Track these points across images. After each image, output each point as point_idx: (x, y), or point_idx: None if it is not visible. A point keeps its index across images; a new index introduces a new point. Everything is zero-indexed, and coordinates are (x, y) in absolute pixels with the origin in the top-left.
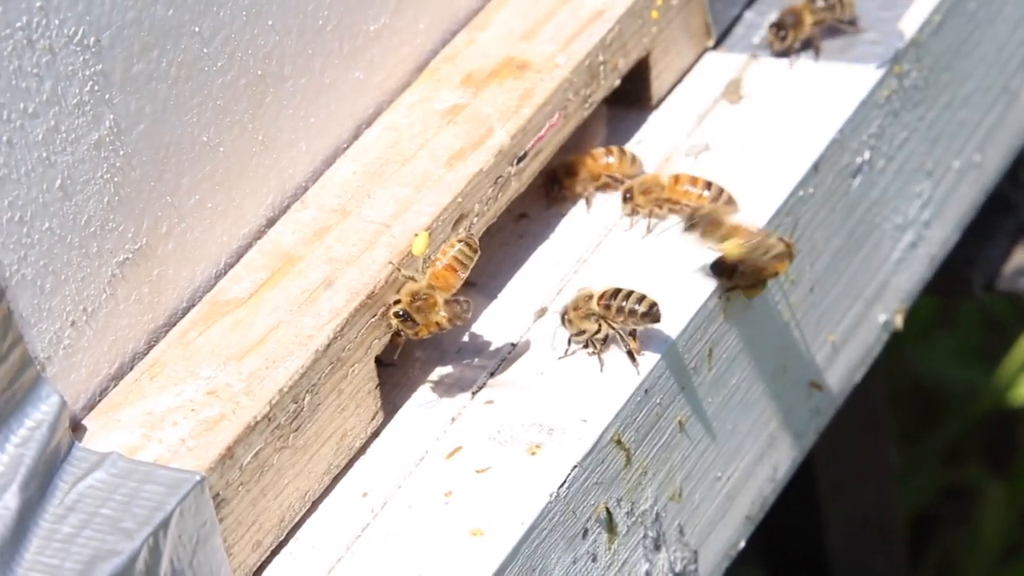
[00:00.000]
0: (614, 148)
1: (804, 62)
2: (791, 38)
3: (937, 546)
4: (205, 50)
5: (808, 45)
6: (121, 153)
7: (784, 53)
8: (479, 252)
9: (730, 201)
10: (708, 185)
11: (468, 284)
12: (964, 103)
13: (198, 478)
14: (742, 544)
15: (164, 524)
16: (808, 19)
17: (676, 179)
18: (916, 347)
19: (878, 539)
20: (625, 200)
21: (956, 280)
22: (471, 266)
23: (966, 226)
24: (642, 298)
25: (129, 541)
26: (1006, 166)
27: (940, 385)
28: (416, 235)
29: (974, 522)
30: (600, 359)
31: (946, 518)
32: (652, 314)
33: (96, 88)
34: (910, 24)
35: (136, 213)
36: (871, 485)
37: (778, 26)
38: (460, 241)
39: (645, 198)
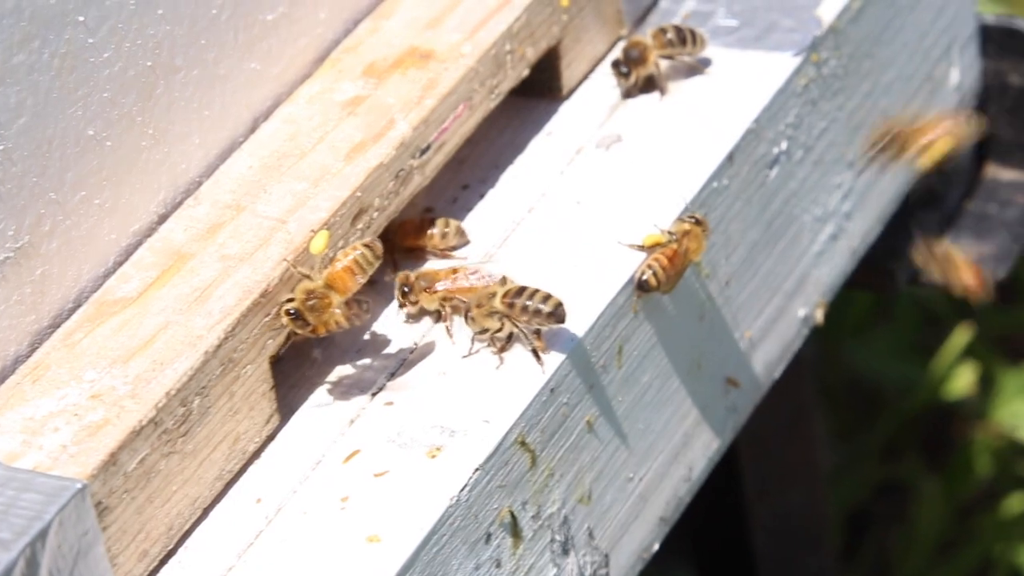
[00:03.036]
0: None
1: (719, 50)
2: (634, 75)
3: (873, 542)
4: (90, 40)
5: (652, 85)
6: (0, 147)
7: (628, 93)
8: (381, 259)
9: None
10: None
11: (368, 282)
12: (886, 91)
13: (79, 486)
14: (656, 546)
15: (42, 534)
16: (653, 55)
17: (454, 272)
18: (852, 343)
19: (807, 539)
20: (404, 299)
21: (880, 273)
22: (371, 272)
23: (889, 218)
24: (547, 297)
25: (5, 552)
26: None
27: (876, 380)
28: (314, 232)
29: (910, 518)
30: (501, 358)
31: (882, 514)
32: (557, 315)
33: None
34: (828, 11)
35: (17, 210)
36: (799, 484)
37: (618, 63)
38: (364, 245)
39: (429, 296)
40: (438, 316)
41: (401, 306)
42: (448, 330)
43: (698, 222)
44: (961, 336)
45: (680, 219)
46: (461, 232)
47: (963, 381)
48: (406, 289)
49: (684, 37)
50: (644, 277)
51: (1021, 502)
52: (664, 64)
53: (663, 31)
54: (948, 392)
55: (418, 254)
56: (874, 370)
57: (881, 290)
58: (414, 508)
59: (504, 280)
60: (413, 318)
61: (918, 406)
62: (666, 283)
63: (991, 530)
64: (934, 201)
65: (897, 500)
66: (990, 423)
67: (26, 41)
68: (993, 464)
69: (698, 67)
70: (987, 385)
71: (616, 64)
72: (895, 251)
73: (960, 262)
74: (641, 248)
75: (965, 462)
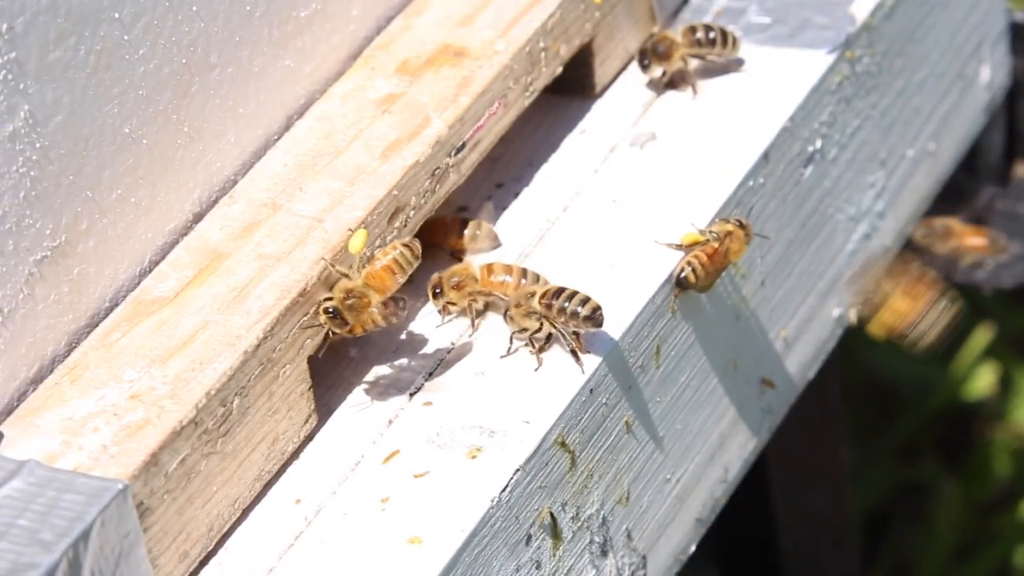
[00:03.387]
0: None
1: (752, 47)
2: (654, 69)
3: (891, 544)
4: (126, 37)
5: (679, 80)
6: (37, 146)
7: (653, 88)
8: (420, 259)
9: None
10: (524, 273)
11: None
12: (918, 89)
13: (120, 487)
14: (692, 548)
15: (84, 535)
16: (679, 51)
17: (488, 269)
18: (870, 343)
19: (831, 538)
20: (435, 297)
21: None
22: (410, 271)
23: (921, 217)
24: (586, 300)
25: (47, 553)
26: (961, 155)
27: (894, 381)
28: (352, 232)
29: (928, 519)
30: (539, 358)
31: (901, 515)
32: (594, 319)
33: (10, 77)
34: (862, 8)
35: (54, 209)
36: (824, 484)
37: (643, 54)
38: (403, 244)
39: (459, 293)
40: (476, 313)
41: (440, 309)
42: (473, 323)
43: (742, 225)
44: (981, 337)
45: (723, 219)
46: (493, 236)
47: (983, 382)
48: (437, 290)
49: (714, 37)
50: (683, 274)
51: None
52: (695, 63)
53: (692, 29)
54: (968, 393)
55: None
56: (892, 371)
57: None
58: (455, 509)
59: (537, 278)
60: (449, 315)
61: (937, 407)
62: (704, 280)
63: (1010, 531)
64: (964, 199)
65: (916, 501)
66: (1009, 424)
67: (62, 38)
68: (1012, 465)
69: (730, 67)
70: (1007, 386)
71: (640, 54)
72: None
73: (960, 229)
74: (679, 247)
75: (984, 463)
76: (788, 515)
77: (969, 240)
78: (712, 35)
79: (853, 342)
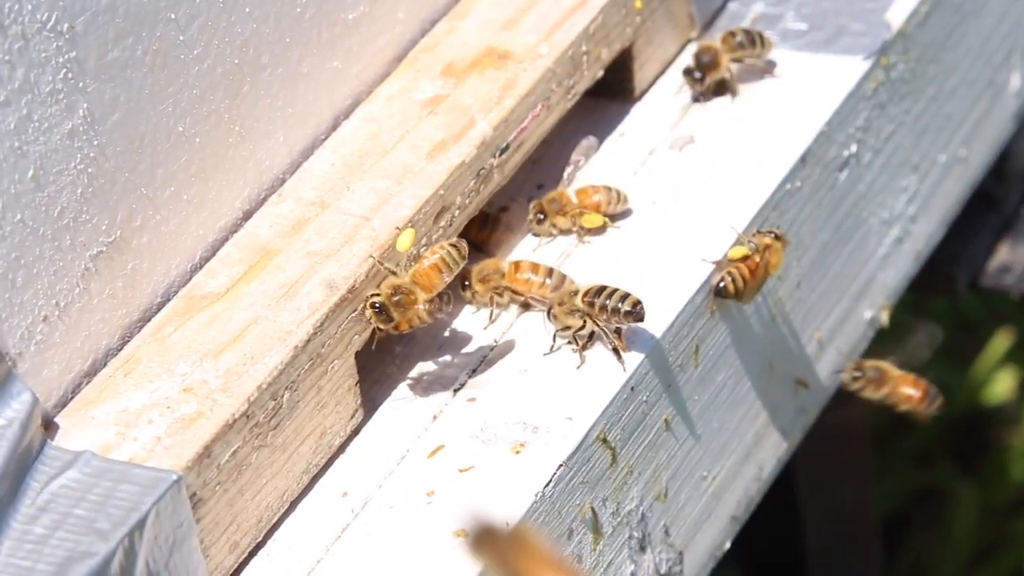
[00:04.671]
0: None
1: (789, 53)
2: (708, 79)
3: (909, 548)
4: (181, 37)
5: (723, 88)
6: (95, 143)
7: (699, 97)
8: (467, 258)
9: (571, 283)
10: (549, 273)
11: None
12: (950, 96)
13: (175, 477)
14: (728, 545)
15: (140, 525)
16: (725, 58)
17: (516, 266)
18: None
19: (855, 539)
20: (463, 288)
21: (941, 277)
22: (457, 271)
23: (951, 222)
24: (626, 296)
25: (104, 542)
26: (991, 161)
27: None
28: (400, 230)
29: (946, 523)
30: (581, 356)
31: (918, 520)
32: (636, 313)
33: (70, 76)
34: (897, 15)
35: (110, 205)
36: (849, 484)
37: (690, 70)
38: (450, 244)
39: (484, 286)
40: (498, 306)
41: (468, 302)
42: (491, 316)
43: (778, 237)
44: (1001, 342)
45: (760, 232)
46: (512, 227)
47: (1002, 387)
48: (465, 283)
49: (753, 39)
50: (723, 284)
51: None
52: (734, 67)
53: (732, 34)
54: (986, 398)
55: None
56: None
57: (941, 294)
58: (500, 503)
59: (563, 278)
60: (483, 307)
61: (954, 411)
62: (745, 293)
63: None
64: (993, 206)
65: (933, 505)
66: None
67: (120, 38)
68: None
69: (767, 69)
70: (1021, 391)
71: (689, 71)
72: (956, 256)
73: (895, 375)
74: (727, 260)
75: (1001, 468)
76: (813, 515)
77: (903, 389)
78: (752, 37)
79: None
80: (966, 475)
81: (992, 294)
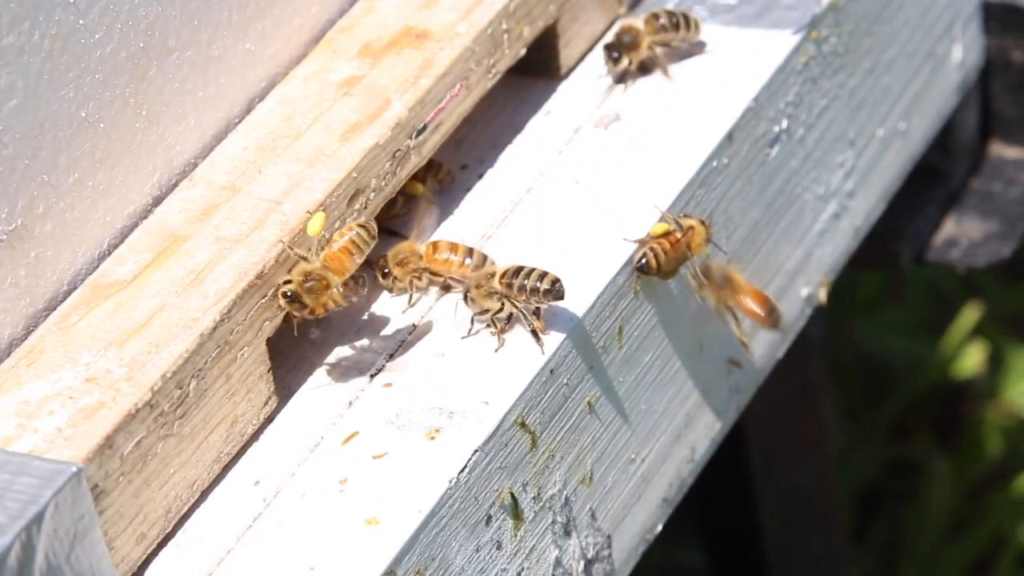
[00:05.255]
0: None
1: (718, 28)
2: (626, 60)
3: (883, 522)
4: (81, 21)
5: (648, 67)
6: None
7: (621, 78)
8: (377, 239)
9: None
10: (469, 252)
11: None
12: (887, 69)
13: (74, 469)
14: (659, 528)
15: (38, 518)
16: (645, 40)
17: (434, 247)
18: (862, 322)
19: (815, 518)
20: (383, 276)
21: (884, 252)
22: (368, 252)
23: (893, 196)
24: (544, 275)
25: (0, 536)
26: (934, 134)
27: (886, 359)
28: (311, 214)
29: (920, 497)
30: (500, 339)
31: (893, 493)
32: (555, 291)
33: None
34: None
35: (9, 193)
36: (806, 464)
37: (610, 47)
38: (359, 225)
39: (403, 270)
40: (417, 289)
41: (388, 288)
42: (411, 299)
43: (703, 223)
44: (971, 315)
45: (687, 215)
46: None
47: (973, 360)
48: (385, 270)
49: (677, 22)
50: (644, 260)
51: None
52: (660, 49)
53: (656, 16)
54: (958, 371)
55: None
56: (884, 349)
57: (887, 269)
58: (413, 490)
59: (484, 258)
60: (402, 293)
61: (928, 385)
62: (666, 267)
63: (1002, 509)
64: (939, 179)
65: (907, 479)
66: (1000, 402)
67: (15, 23)
68: (1003, 443)
69: (695, 51)
70: (997, 364)
71: (608, 48)
72: (900, 230)
73: (743, 286)
74: (647, 238)
75: (975, 441)
76: (770, 495)
77: (747, 302)
78: (675, 20)
79: (846, 320)
80: (941, 448)
81: (942, 268)
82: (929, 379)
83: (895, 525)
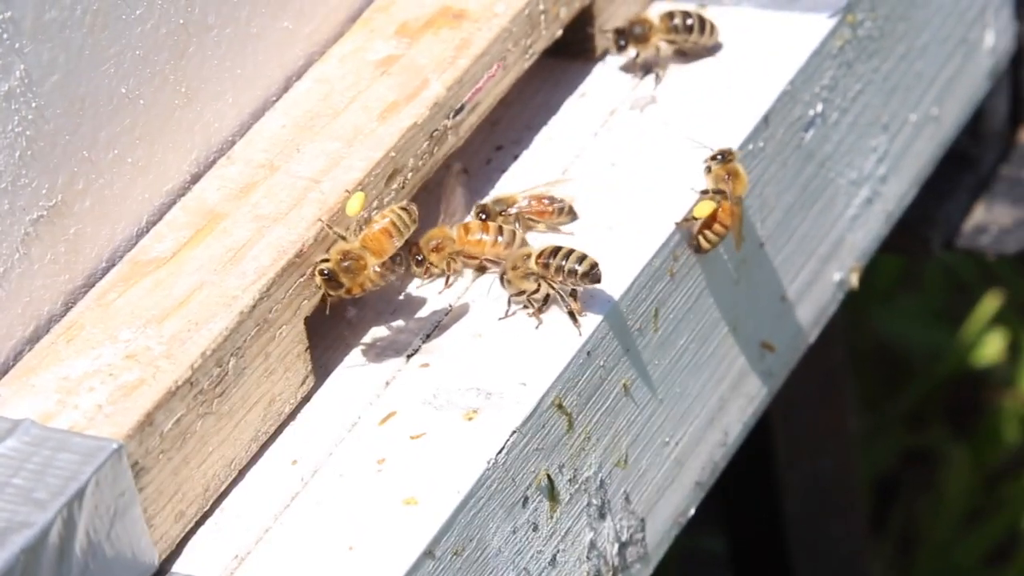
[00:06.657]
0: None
1: (753, 11)
2: (632, 51)
3: (900, 510)
4: None
5: (652, 64)
6: (33, 105)
7: (626, 69)
8: (417, 223)
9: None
10: (500, 230)
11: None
12: (921, 54)
13: (115, 446)
14: (692, 511)
15: (79, 494)
16: (655, 36)
17: (466, 228)
18: (879, 309)
19: (837, 504)
20: (418, 264)
21: (914, 238)
22: (407, 235)
23: (924, 182)
24: (583, 257)
25: (42, 512)
26: (965, 120)
27: (904, 347)
28: (350, 193)
29: (937, 486)
30: (538, 319)
31: (910, 481)
32: (592, 274)
33: (5, 36)
34: None
35: (50, 168)
36: (830, 450)
37: (619, 33)
38: (401, 208)
39: (438, 255)
40: (455, 272)
41: (421, 276)
42: (448, 281)
43: (725, 157)
44: (990, 303)
45: (709, 167)
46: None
47: (992, 348)
48: (419, 257)
49: (691, 25)
50: (696, 245)
51: None
52: (667, 48)
53: (671, 15)
54: (976, 359)
55: None
56: (902, 336)
57: (916, 255)
58: (451, 471)
59: (513, 235)
60: (432, 278)
61: (946, 373)
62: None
63: (1019, 498)
64: (969, 166)
65: (924, 468)
66: (1018, 391)
67: None
68: (1021, 432)
69: (708, 54)
70: (1016, 352)
71: (617, 33)
72: (930, 216)
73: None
74: (694, 220)
75: (993, 429)
76: (793, 482)
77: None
78: (689, 22)
79: (863, 307)
80: (958, 437)
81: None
82: (947, 367)
83: (912, 513)
